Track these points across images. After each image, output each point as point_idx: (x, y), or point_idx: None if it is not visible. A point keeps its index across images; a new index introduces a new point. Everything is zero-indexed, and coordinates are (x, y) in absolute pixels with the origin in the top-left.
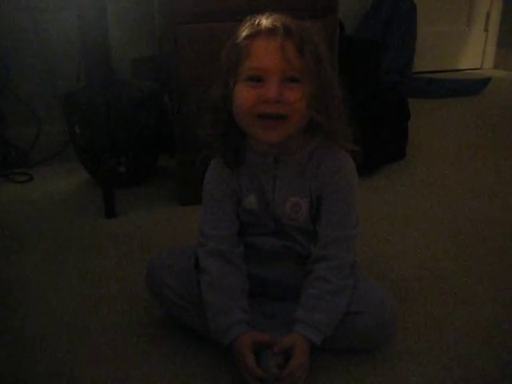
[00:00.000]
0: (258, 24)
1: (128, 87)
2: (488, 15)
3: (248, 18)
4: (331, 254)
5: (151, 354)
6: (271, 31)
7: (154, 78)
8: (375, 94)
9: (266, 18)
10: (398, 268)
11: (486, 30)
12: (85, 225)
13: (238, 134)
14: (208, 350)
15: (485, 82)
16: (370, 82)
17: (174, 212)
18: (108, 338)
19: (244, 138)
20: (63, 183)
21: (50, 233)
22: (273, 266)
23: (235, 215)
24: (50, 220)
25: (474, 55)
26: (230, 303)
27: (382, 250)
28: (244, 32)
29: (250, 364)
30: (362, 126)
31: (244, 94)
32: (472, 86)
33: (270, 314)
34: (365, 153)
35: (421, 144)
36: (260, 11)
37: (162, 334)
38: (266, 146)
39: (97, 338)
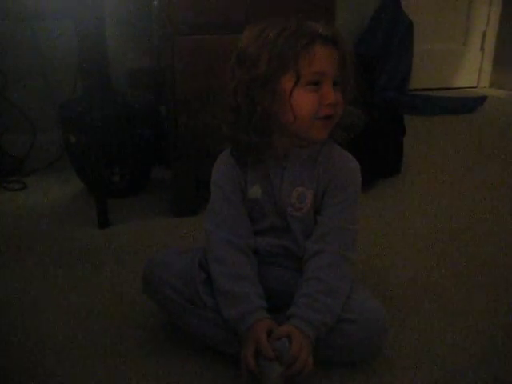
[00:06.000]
0: (313, 31)
1: (124, 98)
2: (484, 34)
3: (275, 24)
4: (325, 248)
5: (146, 364)
6: (326, 38)
7: (151, 89)
8: (370, 109)
9: (319, 26)
10: (391, 281)
11: (482, 48)
12: (78, 234)
13: (262, 136)
14: (205, 357)
15: (480, 100)
16: (365, 97)
17: (168, 223)
18: (101, 348)
19: (266, 137)
20: (57, 192)
21: (42, 242)
22: (270, 271)
23: (243, 207)
24: (42, 229)
25: (470, 74)
26: (249, 290)
27: (374, 264)
28: (295, 38)
29: (265, 346)
30: (358, 141)
31: (309, 99)
32: (468, 104)
33: None
34: (360, 168)
35: (416, 160)
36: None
37: (157, 343)
38: (287, 141)
39: (89, 350)
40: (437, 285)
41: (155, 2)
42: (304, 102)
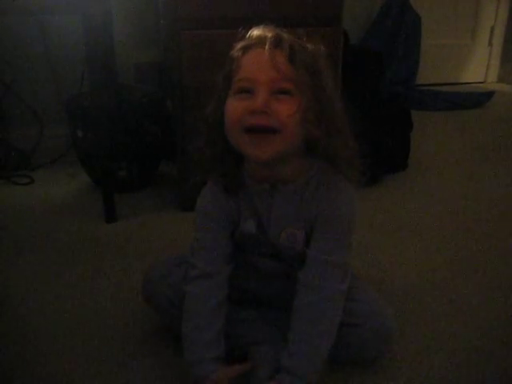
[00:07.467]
0: (250, 36)
1: (131, 92)
2: (492, 29)
3: (241, 29)
4: (315, 283)
5: (147, 363)
6: (261, 41)
7: (158, 84)
8: (377, 104)
9: (258, 29)
10: (397, 278)
11: (491, 44)
12: (84, 229)
13: (234, 156)
14: None
15: (488, 95)
16: (373, 91)
17: (175, 217)
18: (105, 345)
19: (241, 161)
20: (64, 186)
21: (49, 236)
22: (270, 283)
23: (229, 237)
24: (49, 223)
25: (478, 69)
26: (203, 336)
27: (380, 260)
28: (238, 45)
29: None
30: (365, 136)
31: (233, 107)
32: (475, 99)
33: (273, 319)
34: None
35: (423, 155)
36: (264, 19)
37: (162, 341)
38: (260, 170)
39: (92, 344)
40: (443, 281)
41: None
42: (229, 110)
